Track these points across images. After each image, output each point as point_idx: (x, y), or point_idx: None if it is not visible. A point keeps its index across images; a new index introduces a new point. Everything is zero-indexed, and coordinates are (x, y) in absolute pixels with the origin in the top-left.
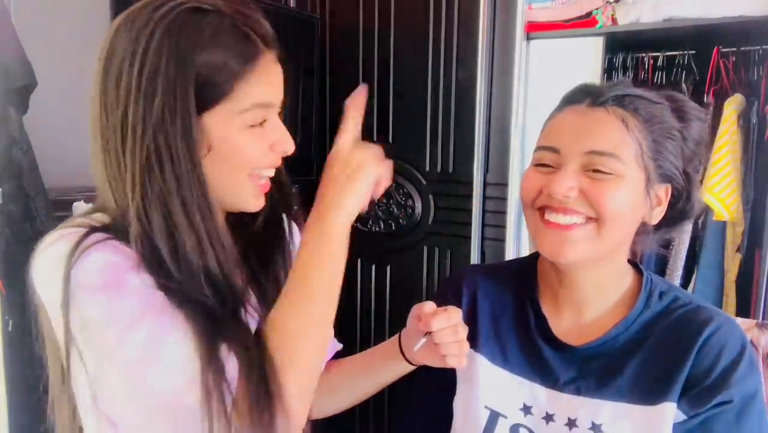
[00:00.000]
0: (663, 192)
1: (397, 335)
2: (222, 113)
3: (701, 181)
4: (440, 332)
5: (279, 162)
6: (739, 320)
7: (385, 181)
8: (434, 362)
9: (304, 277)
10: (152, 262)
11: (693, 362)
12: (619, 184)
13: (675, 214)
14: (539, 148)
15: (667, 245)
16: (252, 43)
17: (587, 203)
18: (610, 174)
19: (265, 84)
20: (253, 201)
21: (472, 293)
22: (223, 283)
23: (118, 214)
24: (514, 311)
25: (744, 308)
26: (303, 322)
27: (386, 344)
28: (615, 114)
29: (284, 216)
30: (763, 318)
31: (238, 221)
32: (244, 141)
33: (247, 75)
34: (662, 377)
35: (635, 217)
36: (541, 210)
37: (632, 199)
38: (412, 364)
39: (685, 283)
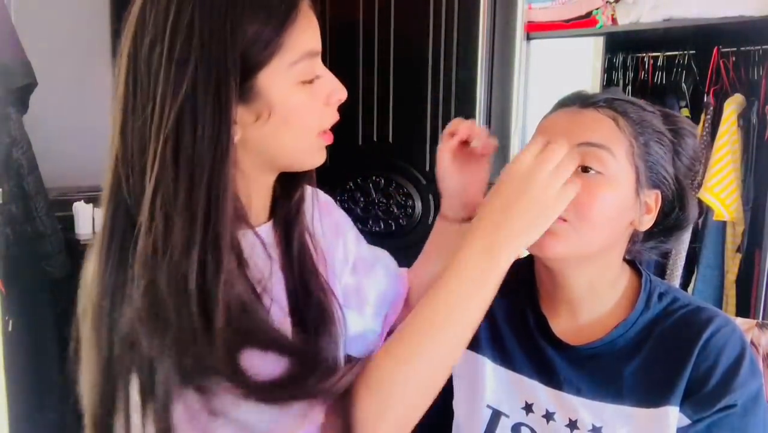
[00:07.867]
0: (653, 199)
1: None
2: (276, 69)
3: (700, 183)
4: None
5: (337, 116)
6: (739, 320)
7: None
8: (465, 171)
9: (450, 307)
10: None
11: (693, 366)
12: (606, 187)
13: (668, 224)
14: None
15: (666, 254)
16: None
17: (569, 207)
18: (598, 174)
19: (310, 29)
20: (318, 158)
21: None
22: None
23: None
24: (513, 309)
25: (744, 308)
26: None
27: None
28: (605, 113)
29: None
30: (763, 318)
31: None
32: (302, 100)
33: (294, 21)
34: (663, 381)
35: (622, 219)
36: None
37: (619, 200)
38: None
39: (685, 283)
